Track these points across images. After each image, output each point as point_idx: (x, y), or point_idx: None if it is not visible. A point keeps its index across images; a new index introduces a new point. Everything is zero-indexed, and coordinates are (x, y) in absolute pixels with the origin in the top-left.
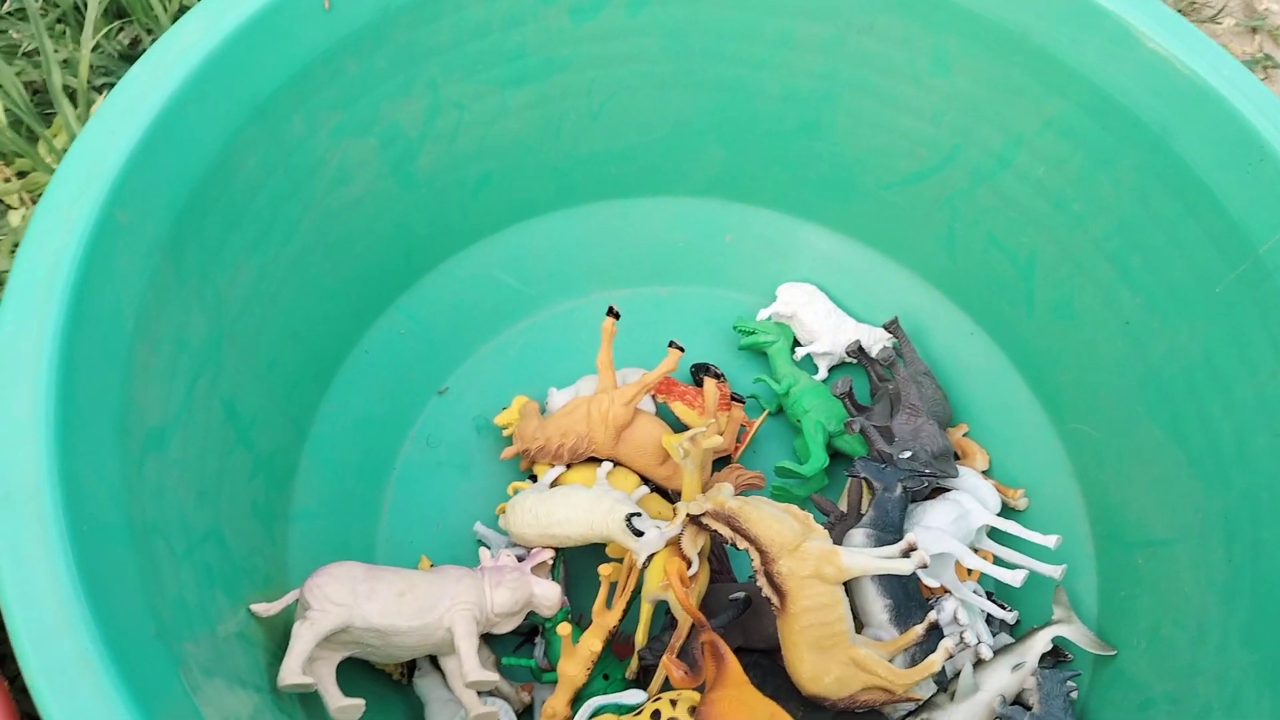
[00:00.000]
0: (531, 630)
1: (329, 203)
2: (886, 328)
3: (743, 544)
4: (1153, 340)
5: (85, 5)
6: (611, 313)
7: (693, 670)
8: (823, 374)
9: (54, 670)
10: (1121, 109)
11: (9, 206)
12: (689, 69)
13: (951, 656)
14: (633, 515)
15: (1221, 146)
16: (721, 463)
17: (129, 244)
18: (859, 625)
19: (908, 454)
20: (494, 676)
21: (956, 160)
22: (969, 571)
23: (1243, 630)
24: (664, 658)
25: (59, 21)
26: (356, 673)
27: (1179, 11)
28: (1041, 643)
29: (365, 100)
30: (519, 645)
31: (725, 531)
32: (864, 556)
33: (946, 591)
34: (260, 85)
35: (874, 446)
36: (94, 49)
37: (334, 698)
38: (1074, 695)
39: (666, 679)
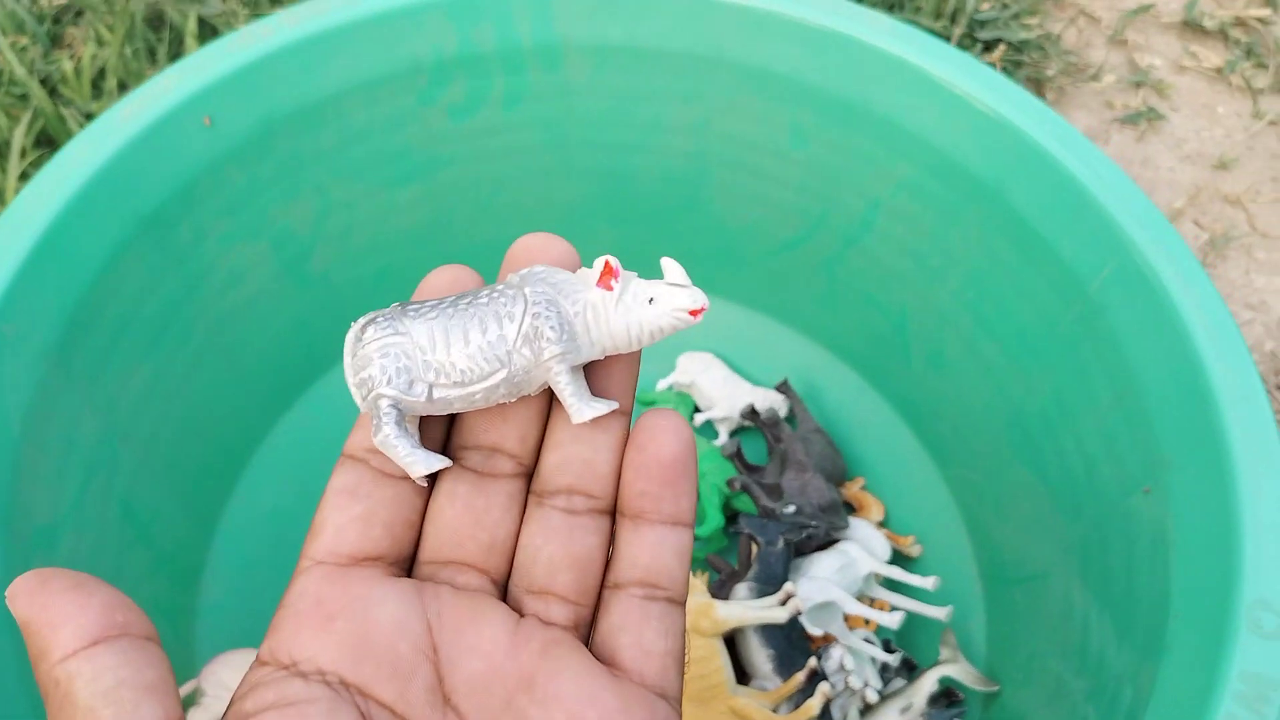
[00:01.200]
0: None
1: (223, 305)
2: (779, 389)
3: None
4: (1012, 383)
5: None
6: None
7: None
8: (723, 438)
9: None
10: (960, 168)
11: None
12: (568, 158)
13: (829, 700)
14: None
15: (1048, 196)
16: None
17: (14, 353)
18: (747, 677)
19: (791, 508)
20: None
21: (826, 226)
22: (865, 620)
23: (1103, 648)
24: None
25: None
26: None
27: (1062, 72)
28: (929, 684)
29: (253, 206)
30: None
31: None
32: (739, 607)
33: (833, 640)
34: (145, 199)
35: (758, 501)
36: (21, 177)
37: None
38: None
39: None
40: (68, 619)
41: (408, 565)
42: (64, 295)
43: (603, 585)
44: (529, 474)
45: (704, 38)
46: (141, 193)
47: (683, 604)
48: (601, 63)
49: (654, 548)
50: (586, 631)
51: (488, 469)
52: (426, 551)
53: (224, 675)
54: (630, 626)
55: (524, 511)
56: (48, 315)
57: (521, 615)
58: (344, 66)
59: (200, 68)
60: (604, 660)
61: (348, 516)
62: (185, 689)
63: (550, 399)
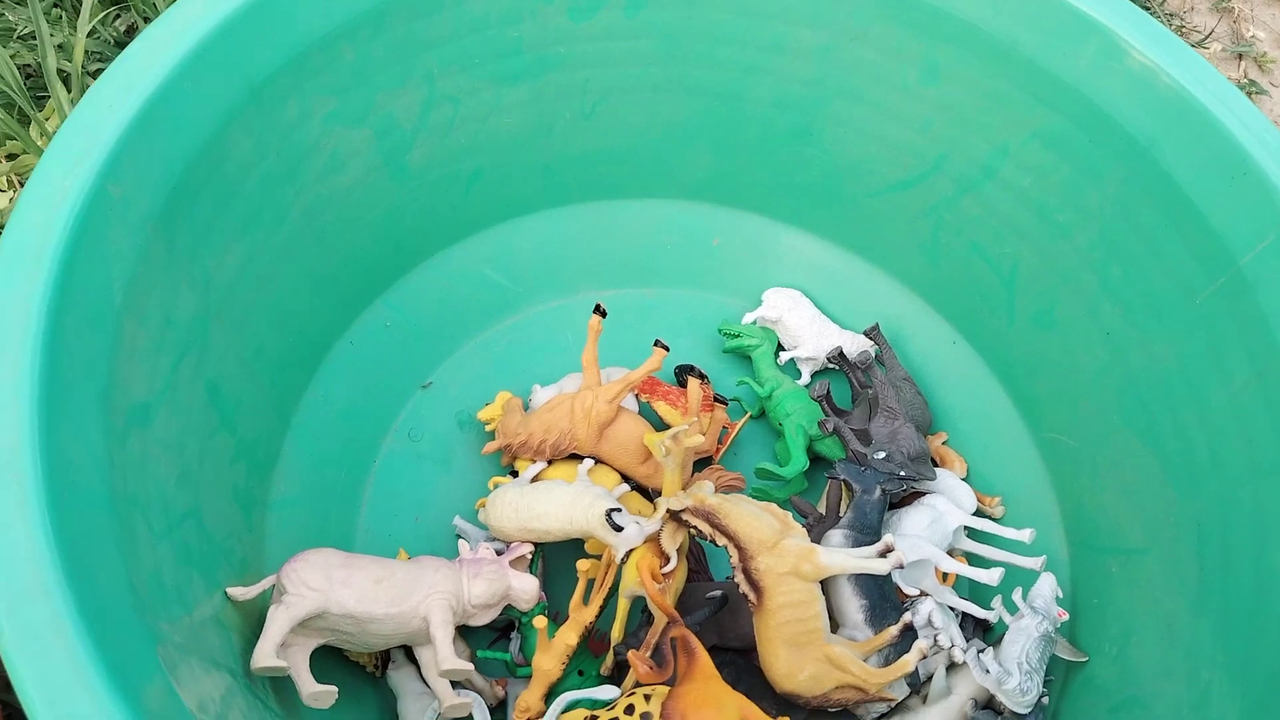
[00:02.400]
0: (507, 625)
1: (321, 190)
2: (867, 334)
3: (721, 540)
4: (1131, 350)
5: None
6: (598, 310)
7: (659, 665)
8: (806, 379)
9: (27, 635)
10: (1109, 121)
11: None
12: (682, 72)
13: (925, 658)
14: (613, 510)
15: (1205, 160)
16: (703, 464)
17: (120, 218)
18: (834, 625)
19: (882, 454)
20: (468, 666)
21: (942, 169)
22: (944, 576)
23: (1213, 634)
24: (630, 652)
25: (56, 5)
26: (330, 663)
27: None
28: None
29: (361, 89)
30: (494, 640)
31: (704, 528)
32: (841, 555)
33: (922, 594)
34: (256, 68)
35: (849, 447)
36: (90, 34)
37: (307, 684)
38: (1044, 701)
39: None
40: None
41: None
42: (171, 161)
43: None
44: None
45: None
46: (253, 61)
47: None
48: None
49: None
50: None
51: None
52: None
53: (306, 575)
54: None
55: None
56: (154, 180)
57: None
58: None
59: None
60: None
61: None
62: (264, 584)
63: None
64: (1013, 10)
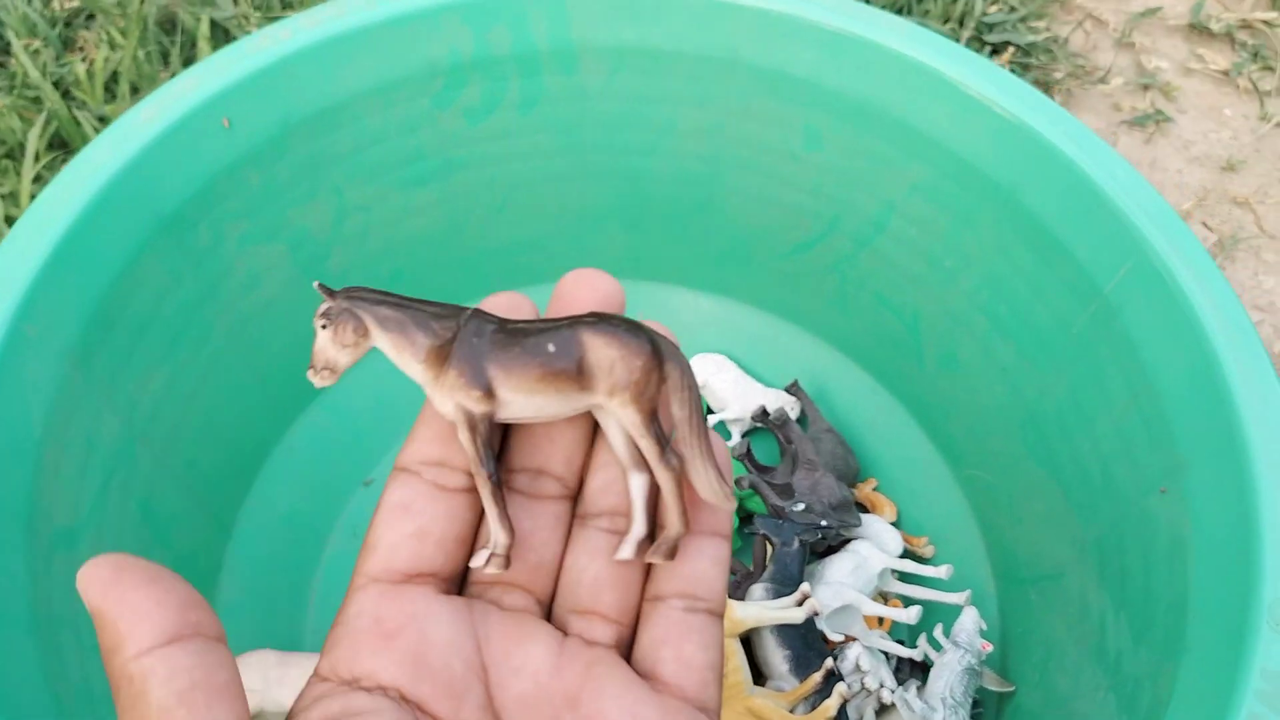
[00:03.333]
0: None
1: (241, 307)
2: (789, 390)
3: None
4: (1026, 384)
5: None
6: None
7: None
8: (735, 439)
9: None
10: (975, 170)
11: None
12: (583, 160)
13: (846, 701)
14: None
15: (1063, 197)
16: None
17: (37, 353)
18: (763, 677)
19: (801, 506)
20: None
21: (838, 228)
22: (880, 620)
23: (1120, 648)
24: None
25: (6, 157)
26: None
27: (1070, 75)
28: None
29: (270, 208)
30: None
31: None
32: (757, 608)
33: (849, 640)
34: (165, 201)
35: (767, 501)
36: (35, 179)
37: None
38: None
39: None
40: (144, 615)
41: (459, 582)
42: (85, 296)
43: (642, 598)
44: (574, 496)
45: (719, 40)
46: (161, 194)
47: (721, 615)
48: (616, 65)
49: (694, 558)
50: (628, 649)
51: (534, 491)
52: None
53: (246, 677)
54: (671, 640)
55: (569, 533)
56: (69, 315)
57: (566, 635)
58: (361, 69)
59: (220, 69)
60: (645, 674)
61: (402, 533)
62: None
63: (593, 422)
64: (873, 75)
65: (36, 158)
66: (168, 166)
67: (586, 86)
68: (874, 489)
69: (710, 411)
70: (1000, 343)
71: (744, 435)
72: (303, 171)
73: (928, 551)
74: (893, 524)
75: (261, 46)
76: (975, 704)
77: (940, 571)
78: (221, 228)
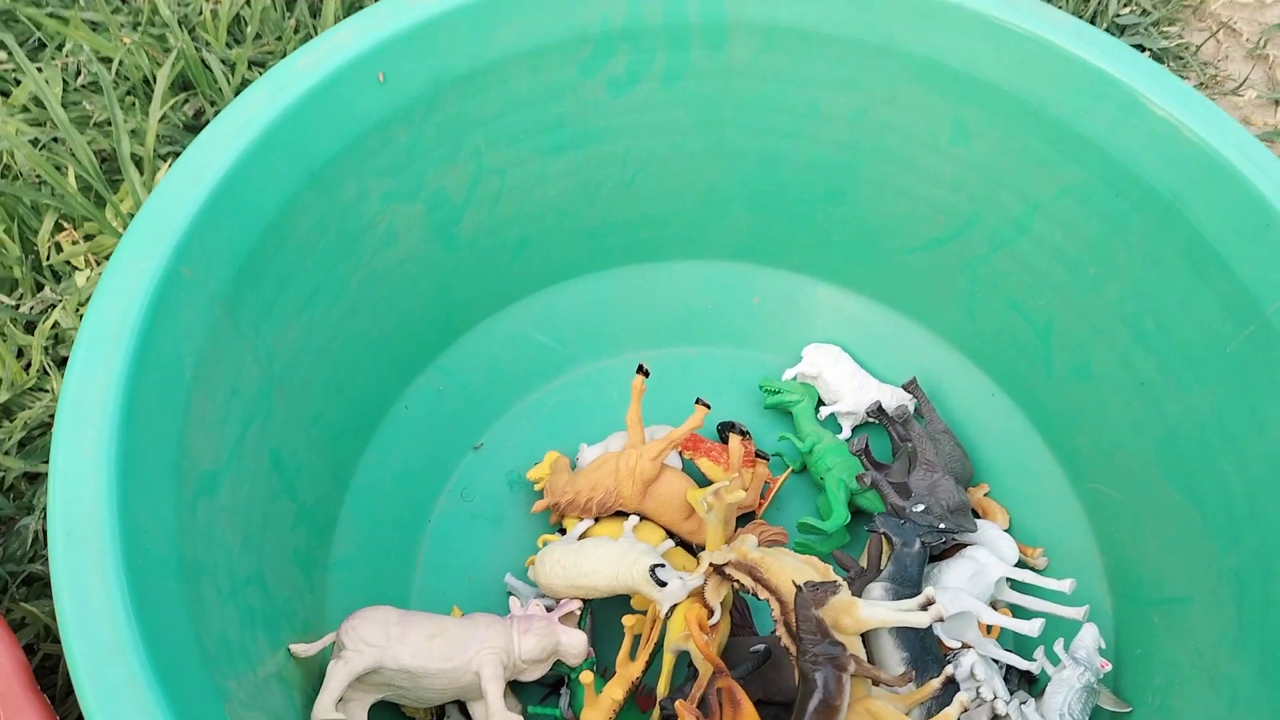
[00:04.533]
0: (557, 681)
1: (376, 264)
2: (906, 388)
3: (764, 594)
4: (1167, 401)
5: (154, 79)
6: (641, 370)
7: (705, 716)
8: (846, 433)
9: (106, 694)
10: (1134, 176)
11: (75, 268)
12: (719, 139)
13: (966, 710)
14: (657, 566)
15: (1230, 212)
16: (746, 519)
17: (192, 298)
18: (878, 679)
19: (921, 507)
20: (519, 719)
21: (976, 226)
22: (989, 628)
23: (1253, 681)
24: (677, 703)
25: (129, 94)
26: (386, 718)
27: (1201, 85)
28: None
29: (413, 167)
30: (545, 696)
31: (747, 581)
32: (881, 609)
33: (965, 646)
34: (316, 153)
35: (887, 500)
36: (160, 119)
37: None
38: None
39: None
40: None
41: None
42: (238, 243)
43: None
44: None
45: (874, 23)
46: (313, 146)
47: None
48: (766, 44)
49: None
50: None
51: None
52: None
53: (364, 631)
54: None
55: None
56: (223, 261)
57: None
58: (513, 31)
59: (377, 23)
60: None
61: None
62: (325, 641)
63: None
64: (1035, 70)
65: (162, 100)
66: (322, 118)
67: (733, 63)
68: (985, 494)
69: (823, 404)
70: (1142, 356)
71: (855, 429)
72: (448, 132)
73: (1041, 563)
74: (1005, 531)
75: (418, 1)
76: None
77: (1063, 586)
78: (366, 183)
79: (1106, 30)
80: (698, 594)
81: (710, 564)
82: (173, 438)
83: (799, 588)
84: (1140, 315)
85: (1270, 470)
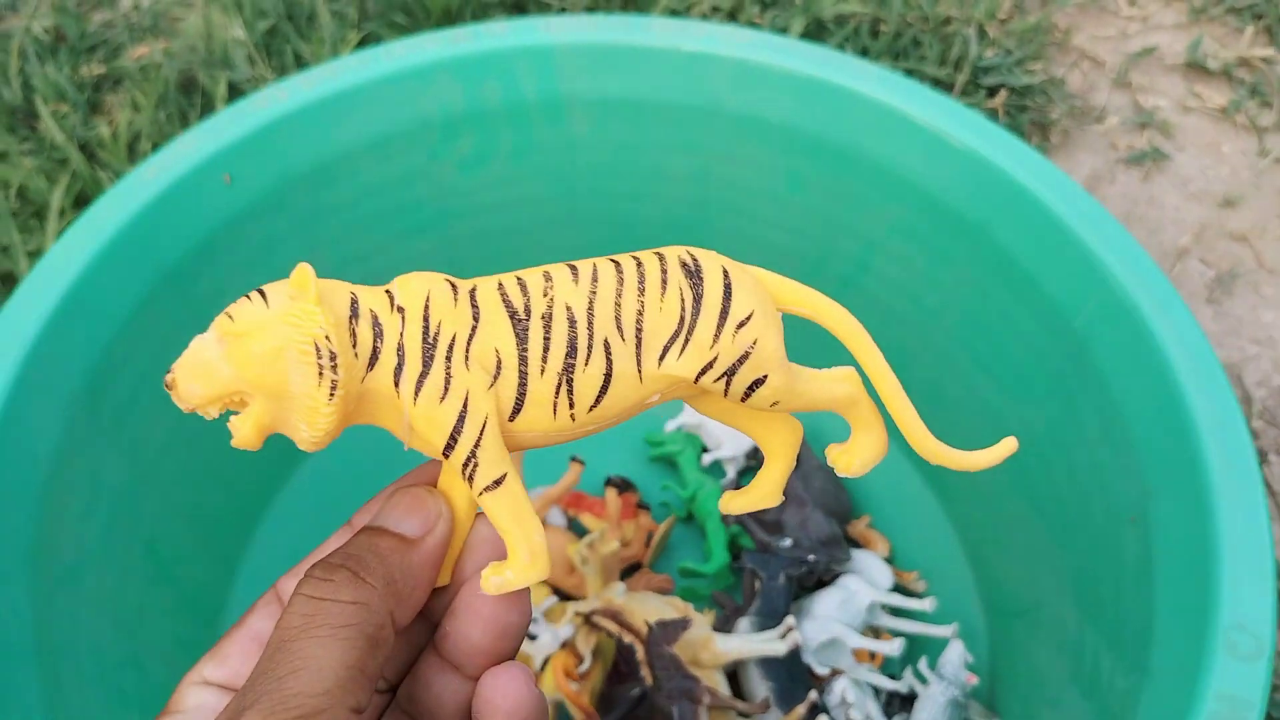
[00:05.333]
0: None
1: None
2: None
3: (628, 637)
4: (1008, 419)
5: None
6: None
7: None
8: (730, 477)
9: None
10: (948, 209)
11: None
12: (575, 207)
13: None
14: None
15: (1032, 233)
16: (633, 569)
17: (43, 399)
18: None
19: (788, 542)
20: None
21: (824, 269)
22: (872, 655)
23: (1097, 674)
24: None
25: (34, 216)
26: None
27: (1068, 114)
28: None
29: (270, 261)
30: None
31: (612, 627)
32: (738, 640)
33: (836, 674)
34: (168, 253)
35: (754, 537)
36: (59, 237)
37: None
38: None
39: None
40: None
41: None
42: (91, 345)
43: None
44: None
45: (700, 90)
46: (164, 247)
47: None
48: (603, 115)
49: None
50: None
51: None
52: None
53: None
54: None
55: None
56: (75, 363)
57: None
58: (357, 125)
59: (220, 129)
60: None
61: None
62: None
63: None
64: (847, 119)
65: (61, 214)
66: (171, 221)
67: (575, 136)
68: (867, 525)
69: (705, 450)
70: (982, 379)
71: (738, 473)
72: (302, 224)
73: (919, 586)
74: (886, 559)
75: (260, 106)
76: None
77: (925, 604)
78: (222, 281)
79: (970, 74)
80: (570, 645)
81: (576, 613)
82: (26, 532)
83: (650, 627)
84: (975, 340)
85: (1093, 474)
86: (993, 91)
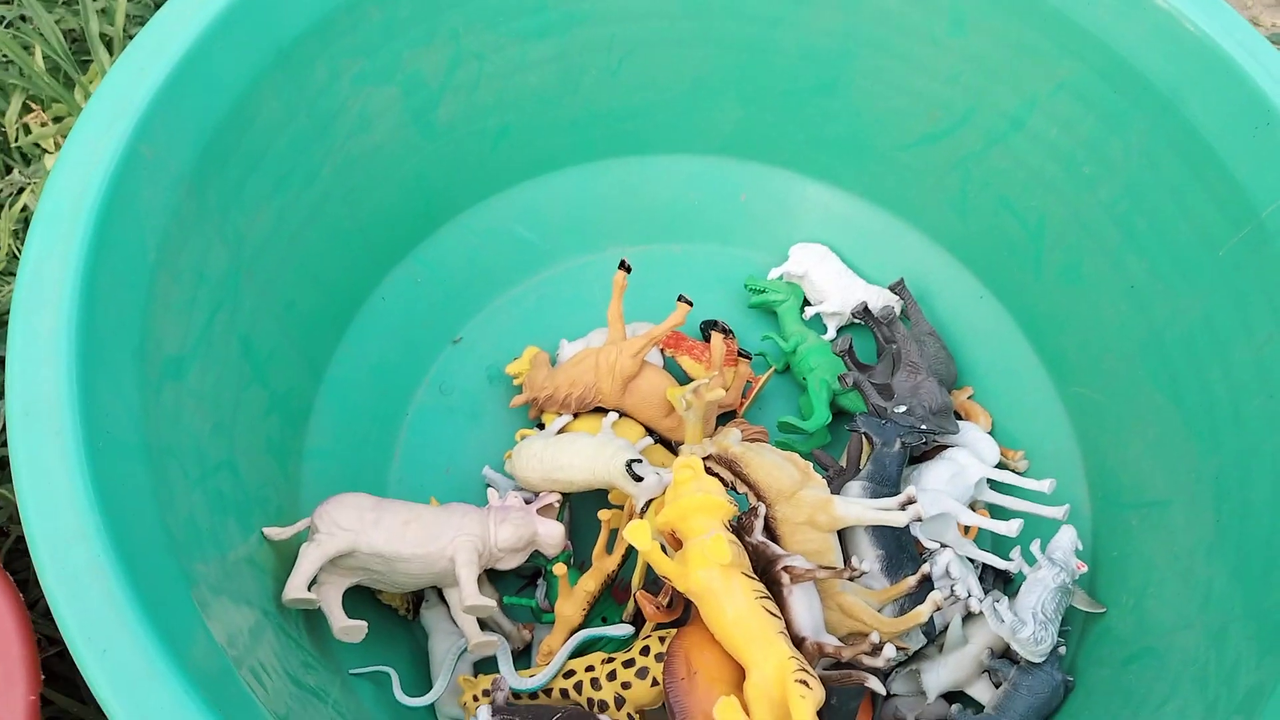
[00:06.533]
0: (534, 573)
1: (350, 149)
2: (892, 289)
3: (742, 488)
4: (1156, 304)
5: None
6: (623, 266)
7: (671, 608)
8: (831, 333)
9: (67, 577)
10: (1133, 71)
11: (45, 151)
12: (708, 26)
13: (939, 608)
14: (633, 461)
15: (1229, 111)
16: (727, 417)
17: (153, 178)
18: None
19: (903, 408)
20: (490, 603)
21: (971, 122)
22: (966, 529)
23: (1226, 586)
24: (638, 592)
25: None
26: (364, 605)
27: None
28: None
29: (388, 48)
30: (522, 588)
31: (726, 475)
32: (858, 507)
33: (942, 546)
34: (284, 30)
35: (869, 400)
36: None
37: (338, 619)
38: (1061, 650)
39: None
40: None
41: None
42: (201, 122)
43: None
44: None
45: None
46: (282, 22)
47: None
48: None
49: None
50: None
51: None
52: None
53: (338, 515)
54: None
55: None
56: (185, 141)
57: None
58: None
59: None
60: None
61: None
62: (299, 525)
63: None
64: None
65: None
66: None
67: None
68: (969, 397)
69: (808, 303)
70: (1133, 258)
71: (839, 330)
72: (423, 10)
73: (1022, 465)
74: (987, 433)
75: None
76: (1062, 622)
77: (1043, 486)
78: (338, 65)
79: None
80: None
81: (690, 453)
82: (135, 320)
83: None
84: (1133, 216)
85: (1256, 375)
86: None
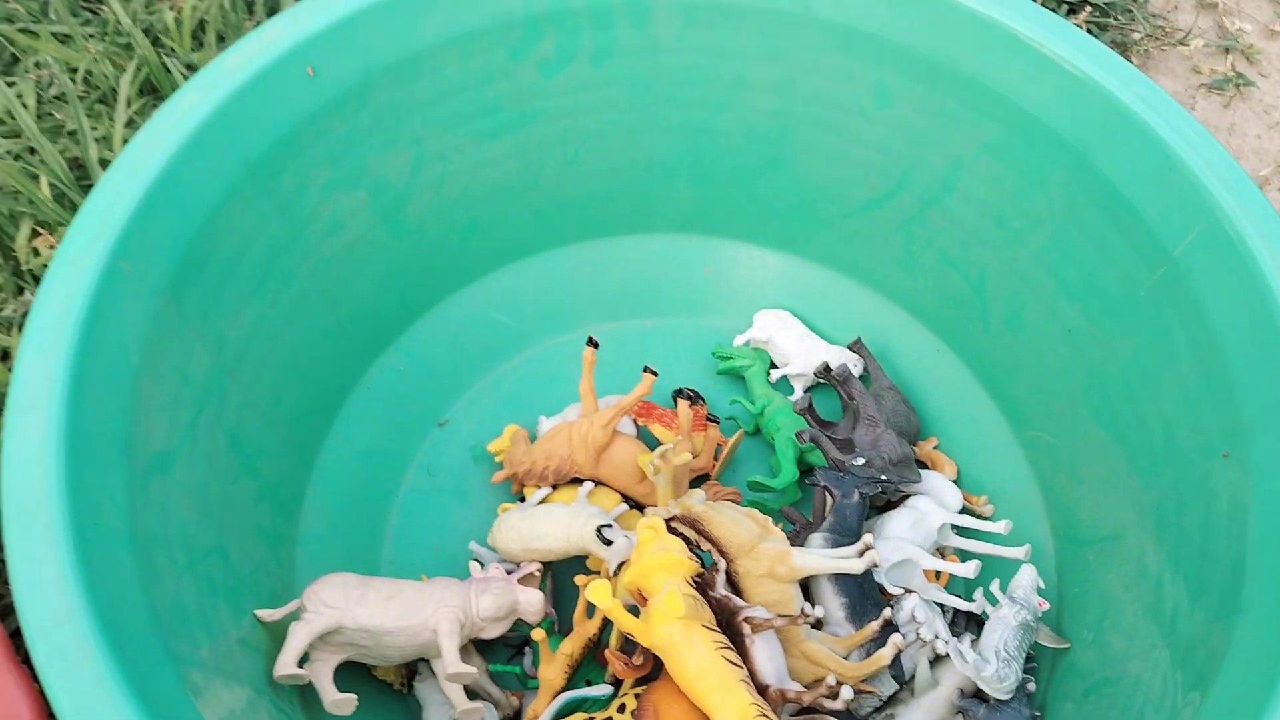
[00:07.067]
0: (523, 641)
1: (323, 251)
2: (851, 347)
3: (705, 545)
4: (1092, 346)
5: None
6: (591, 343)
7: (634, 663)
8: (798, 394)
9: (56, 656)
10: (1045, 129)
11: None
12: (653, 114)
13: (900, 651)
14: (604, 526)
15: (1134, 158)
16: (700, 480)
17: (133, 289)
18: (818, 623)
19: (861, 461)
20: (473, 670)
21: (906, 186)
22: (937, 574)
23: (1176, 610)
24: (606, 650)
25: (99, 102)
26: (359, 681)
27: (1149, 36)
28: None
29: (352, 155)
30: (512, 656)
31: (690, 534)
32: (815, 556)
33: (907, 592)
34: (251, 146)
35: (827, 454)
36: (127, 124)
37: (329, 692)
38: (1031, 688)
39: (636, 677)
40: None
41: None
42: (178, 235)
43: None
44: None
45: None
46: (248, 140)
47: None
48: (689, 19)
49: None
50: None
51: None
52: None
53: (325, 594)
54: None
55: None
56: (163, 254)
57: None
58: (439, 19)
59: (303, 19)
60: None
61: None
62: (290, 607)
63: None
64: (945, 31)
65: (128, 103)
66: (255, 112)
67: (658, 40)
68: (935, 447)
69: (773, 366)
70: (1066, 304)
71: (806, 390)
72: (383, 120)
73: (987, 510)
74: (953, 481)
75: None
76: (1029, 659)
77: (999, 526)
78: (306, 174)
79: None
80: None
81: (654, 516)
82: (120, 420)
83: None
84: (1063, 265)
85: (1183, 406)
86: (1074, 8)
